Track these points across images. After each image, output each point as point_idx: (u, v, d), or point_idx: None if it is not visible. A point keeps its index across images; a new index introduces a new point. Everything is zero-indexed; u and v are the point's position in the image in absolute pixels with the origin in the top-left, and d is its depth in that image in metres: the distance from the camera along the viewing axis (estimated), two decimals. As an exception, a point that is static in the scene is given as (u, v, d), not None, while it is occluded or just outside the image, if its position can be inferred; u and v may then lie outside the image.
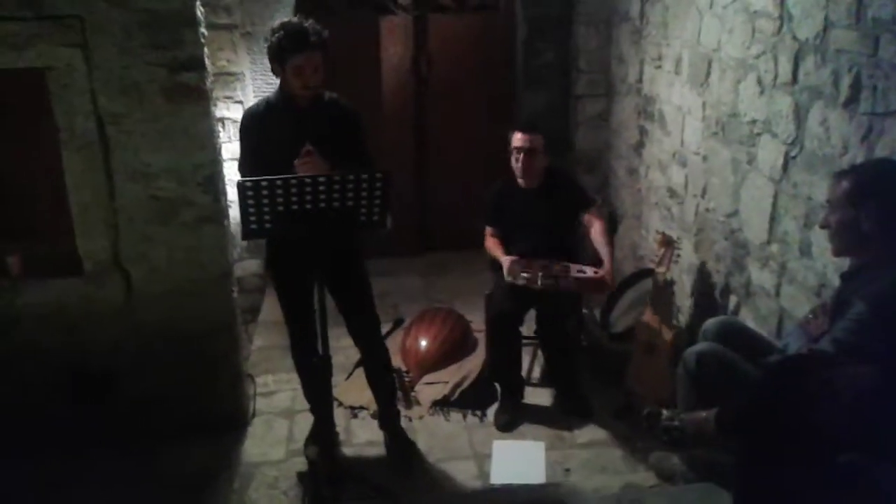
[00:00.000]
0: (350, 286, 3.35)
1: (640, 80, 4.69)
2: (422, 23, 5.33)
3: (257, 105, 3.22)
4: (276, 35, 2.98)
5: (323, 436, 3.41)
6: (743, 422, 2.32)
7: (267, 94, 3.38)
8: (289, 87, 3.07)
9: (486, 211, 4.01)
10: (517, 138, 3.76)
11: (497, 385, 3.94)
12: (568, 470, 3.42)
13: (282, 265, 3.32)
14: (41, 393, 3.46)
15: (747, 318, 3.38)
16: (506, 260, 3.72)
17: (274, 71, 3.07)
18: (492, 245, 3.95)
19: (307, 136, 3.04)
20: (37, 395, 3.46)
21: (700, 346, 2.93)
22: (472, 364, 4.22)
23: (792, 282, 3.10)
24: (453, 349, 4.31)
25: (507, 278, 3.65)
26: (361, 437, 3.71)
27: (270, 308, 5.04)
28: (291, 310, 3.36)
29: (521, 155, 3.74)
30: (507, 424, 3.75)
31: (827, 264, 2.84)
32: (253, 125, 3.15)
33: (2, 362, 3.44)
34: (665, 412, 2.65)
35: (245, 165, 3.16)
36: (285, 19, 3.07)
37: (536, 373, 4.22)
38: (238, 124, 4.74)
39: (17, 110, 3.53)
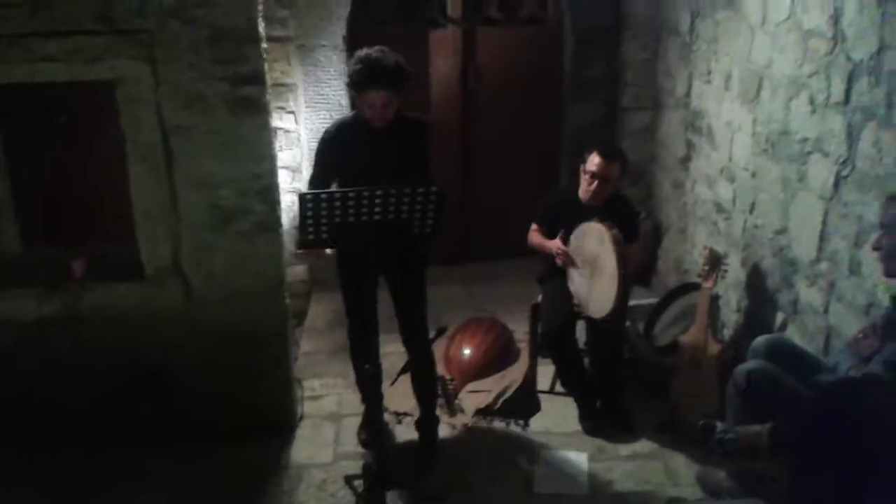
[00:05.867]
0: (408, 290, 3.47)
1: (688, 95, 4.70)
2: (471, 36, 5.41)
3: (335, 125, 3.36)
4: (356, 66, 3.08)
5: (373, 427, 3.59)
6: (796, 440, 2.35)
7: (342, 103, 3.50)
8: (361, 113, 3.20)
9: (541, 210, 4.04)
10: (595, 162, 3.73)
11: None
12: (611, 482, 3.46)
13: (349, 266, 3.43)
14: (101, 392, 3.58)
15: (794, 336, 3.39)
16: (553, 245, 3.81)
17: (350, 95, 3.19)
18: (536, 237, 4.01)
19: (381, 155, 3.19)
20: (97, 393, 3.58)
21: (750, 363, 2.94)
22: (515, 373, 4.27)
23: (840, 300, 3.11)
24: (496, 358, 4.37)
25: (558, 261, 3.77)
26: (405, 442, 3.77)
27: (317, 313, 5.15)
28: (354, 307, 3.48)
29: (595, 181, 3.73)
30: (592, 429, 3.81)
31: (877, 284, 2.85)
32: (329, 144, 3.30)
33: (64, 362, 3.57)
34: (719, 424, 2.68)
35: (316, 178, 3.34)
36: (369, 50, 3.10)
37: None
38: (290, 134, 4.94)
39: (84, 120, 3.68)
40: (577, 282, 3.76)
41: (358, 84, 3.09)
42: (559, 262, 3.82)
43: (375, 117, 3.15)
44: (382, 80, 3.04)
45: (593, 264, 3.65)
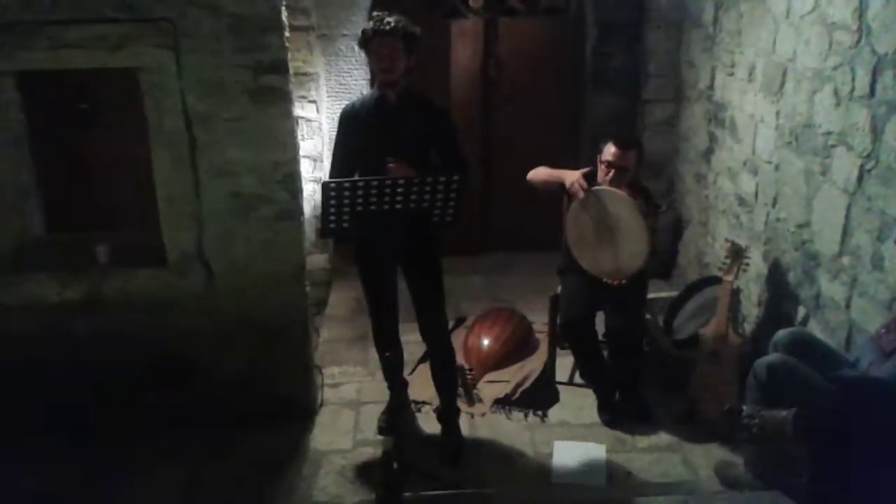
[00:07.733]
0: (425, 280, 3.49)
1: (711, 87, 4.67)
2: (492, 26, 5.40)
3: (352, 102, 3.41)
4: (366, 24, 3.22)
5: (394, 414, 3.68)
6: (814, 432, 2.34)
7: (363, 93, 3.55)
8: (375, 75, 3.27)
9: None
10: (611, 152, 3.67)
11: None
12: (630, 473, 3.46)
13: (366, 257, 3.47)
14: (121, 376, 3.63)
15: (815, 330, 3.37)
16: (576, 173, 3.68)
17: (368, 63, 3.27)
18: (547, 168, 3.88)
19: (397, 130, 3.22)
20: (117, 378, 3.62)
21: (771, 357, 2.93)
22: (534, 364, 4.28)
23: (863, 295, 3.08)
24: (515, 349, 4.38)
25: (572, 189, 3.64)
26: (424, 431, 3.80)
27: (337, 302, 5.18)
28: (374, 298, 3.54)
29: (612, 170, 3.67)
30: (611, 421, 3.82)
31: (900, 278, 2.83)
32: (347, 121, 3.34)
33: (85, 346, 3.61)
34: (746, 408, 2.67)
35: (336, 159, 3.37)
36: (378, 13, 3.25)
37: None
38: (311, 123, 4.97)
39: (108, 108, 3.71)
40: (601, 259, 3.69)
41: (367, 37, 3.19)
42: (575, 188, 3.63)
43: (382, 68, 3.19)
44: (386, 29, 3.15)
45: (608, 226, 3.60)
